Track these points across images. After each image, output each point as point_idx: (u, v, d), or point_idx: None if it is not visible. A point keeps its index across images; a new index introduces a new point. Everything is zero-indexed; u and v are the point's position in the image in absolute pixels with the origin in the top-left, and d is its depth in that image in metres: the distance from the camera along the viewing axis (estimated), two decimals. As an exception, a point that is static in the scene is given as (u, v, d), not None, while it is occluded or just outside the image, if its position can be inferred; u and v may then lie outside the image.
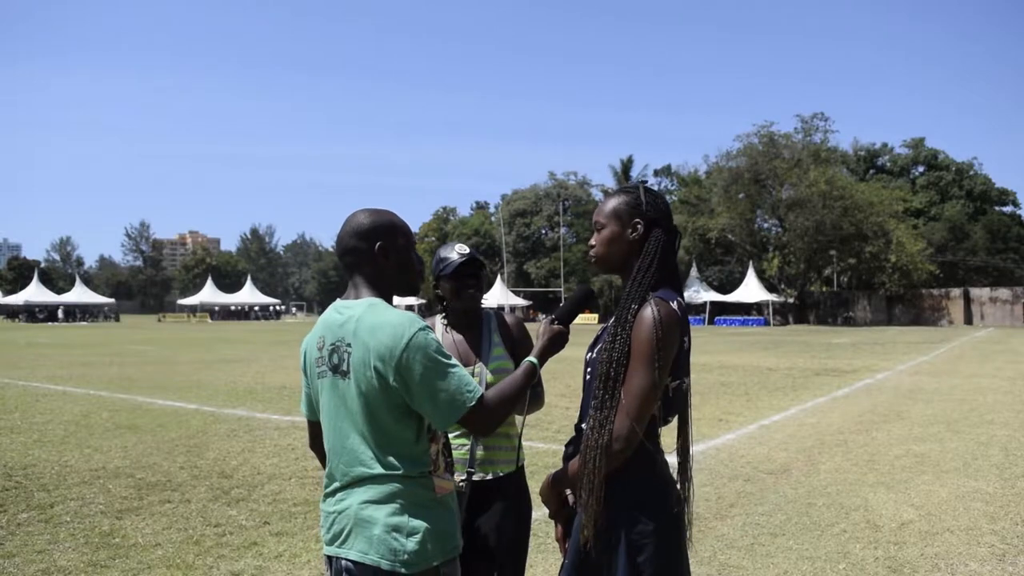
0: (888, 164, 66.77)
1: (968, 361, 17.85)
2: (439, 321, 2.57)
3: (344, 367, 1.74)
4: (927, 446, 7.16)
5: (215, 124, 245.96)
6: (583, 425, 1.86)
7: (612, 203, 1.92)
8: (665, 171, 70.98)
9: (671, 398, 1.83)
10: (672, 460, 1.90)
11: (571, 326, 1.99)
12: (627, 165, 70.89)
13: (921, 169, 65.09)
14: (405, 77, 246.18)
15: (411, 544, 1.67)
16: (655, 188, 1.94)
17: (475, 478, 2.39)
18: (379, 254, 1.81)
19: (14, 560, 3.95)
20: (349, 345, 1.73)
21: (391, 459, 1.71)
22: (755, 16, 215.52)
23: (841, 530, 4.54)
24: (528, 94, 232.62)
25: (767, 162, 50.93)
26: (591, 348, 1.91)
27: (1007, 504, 5.13)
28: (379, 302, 1.78)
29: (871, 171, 65.29)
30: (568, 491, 1.90)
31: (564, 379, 13.11)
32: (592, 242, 1.96)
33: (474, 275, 2.49)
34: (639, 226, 1.87)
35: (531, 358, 1.87)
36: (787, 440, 7.52)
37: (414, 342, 1.67)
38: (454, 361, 1.72)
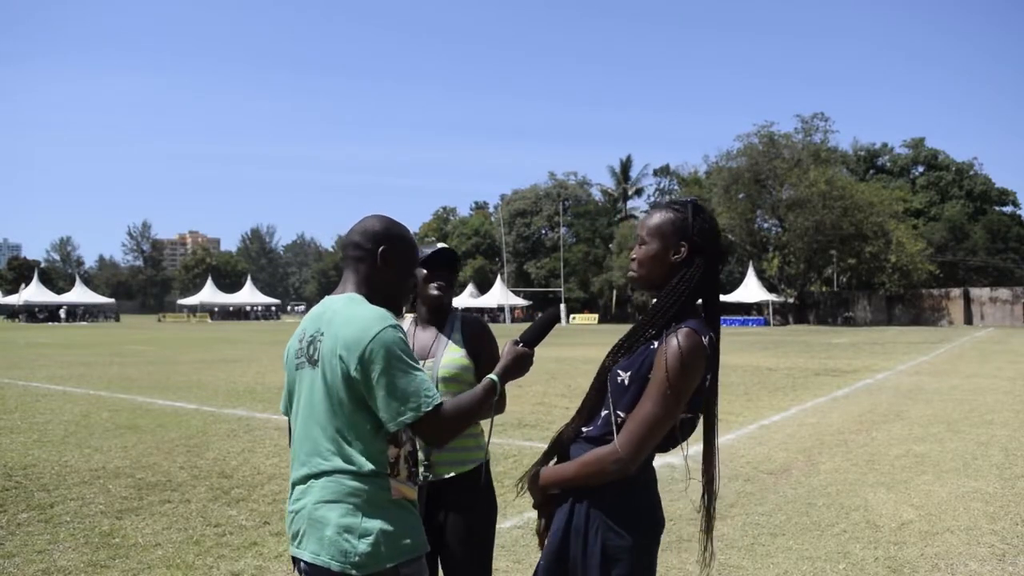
0: (888, 164, 66.73)
1: (968, 361, 17.84)
2: (408, 317, 2.59)
3: (316, 356, 1.75)
4: (927, 446, 7.16)
5: (215, 124, 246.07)
6: (583, 428, 1.85)
7: (657, 219, 1.83)
8: (665, 171, 70.93)
9: (676, 429, 1.78)
10: (695, 450, 1.89)
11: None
12: (626, 165, 70.85)
13: (921, 169, 65.05)
14: (405, 77, 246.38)
15: (362, 546, 1.65)
16: (705, 207, 1.82)
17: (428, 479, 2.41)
18: (381, 257, 1.82)
19: (14, 560, 3.95)
20: (322, 334, 1.75)
21: (348, 451, 1.70)
22: (755, 16, 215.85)
23: (841, 530, 4.54)
24: (528, 94, 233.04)
25: (767, 162, 50.91)
26: (613, 355, 1.87)
27: (1007, 504, 5.13)
28: (359, 297, 1.79)
29: (871, 171, 65.24)
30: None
31: (564, 379, 13.12)
32: (633, 255, 1.88)
33: (446, 268, 2.49)
34: (683, 249, 1.79)
35: (493, 375, 1.83)
36: (787, 440, 7.52)
37: (381, 336, 1.66)
38: (419, 365, 1.71)
